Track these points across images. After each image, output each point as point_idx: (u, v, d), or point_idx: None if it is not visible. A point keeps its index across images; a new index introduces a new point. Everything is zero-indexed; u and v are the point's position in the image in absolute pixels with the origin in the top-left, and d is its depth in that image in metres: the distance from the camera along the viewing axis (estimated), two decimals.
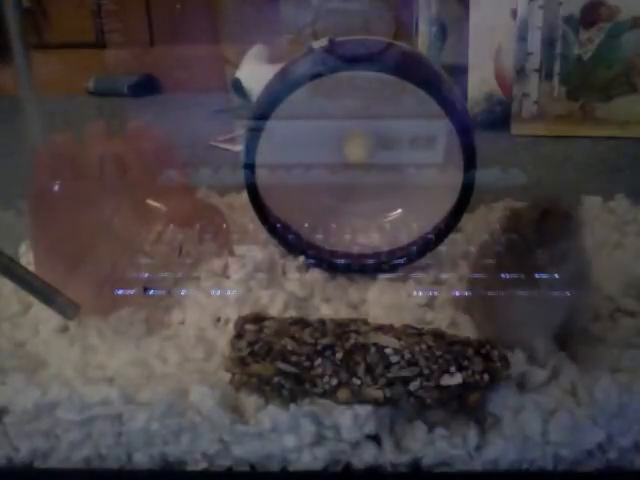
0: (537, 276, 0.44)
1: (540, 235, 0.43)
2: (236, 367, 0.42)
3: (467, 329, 0.48)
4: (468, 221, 0.57)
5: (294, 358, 0.40)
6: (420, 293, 0.54)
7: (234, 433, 0.40)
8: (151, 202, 0.55)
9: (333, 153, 0.56)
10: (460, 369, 0.39)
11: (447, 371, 0.39)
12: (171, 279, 0.55)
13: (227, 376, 0.42)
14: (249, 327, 0.42)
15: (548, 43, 0.95)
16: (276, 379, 0.40)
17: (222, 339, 0.48)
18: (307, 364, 0.40)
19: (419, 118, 0.54)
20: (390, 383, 0.39)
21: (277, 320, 0.44)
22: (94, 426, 0.41)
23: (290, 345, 0.40)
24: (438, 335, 0.41)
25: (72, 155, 0.51)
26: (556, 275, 0.44)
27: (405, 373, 0.39)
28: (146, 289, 0.53)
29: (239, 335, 0.42)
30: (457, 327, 0.49)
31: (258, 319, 0.43)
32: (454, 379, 0.39)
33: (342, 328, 0.42)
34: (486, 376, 0.39)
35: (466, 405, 0.40)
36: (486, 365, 0.39)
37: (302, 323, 0.42)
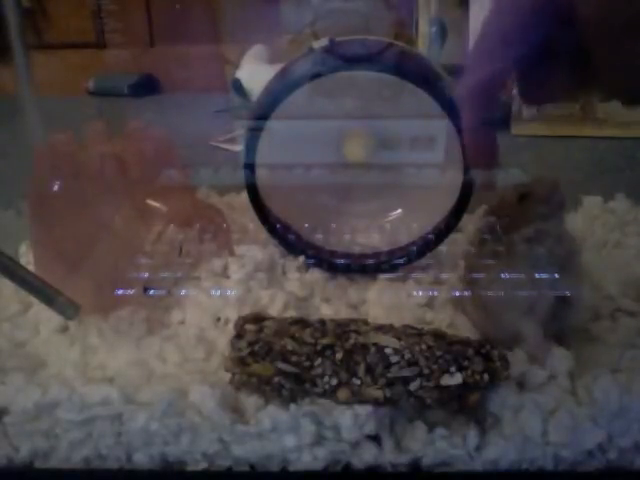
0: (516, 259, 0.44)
1: (517, 217, 0.44)
2: (236, 367, 0.41)
3: (465, 329, 0.48)
4: (468, 221, 0.57)
5: (294, 358, 0.40)
6: (420, 293, 0.54)
7: (234, 433, 0.40)
8: (151, 202, 0.55)
9: (333, 153, 0.56)
10: (460, 369, 0.39)
11: (447, 371, 0.39)
12: (171, 279, 0.55)
13: (227, 376, 0.42)
14: (249, 327, 0.42)
15: None
16: (276, 379, 0.40)
17: (222, 339, 0.48)
18: (307, 364, 0.40)
19: (419, 118, 0.54)
20: (390, 383, 0.39)
21: (277, 320, 0.44)
22: (94, 426, 0.41)
23: (290, 345, 0.40)
24: (438, 335, 0.41)
25: (72, 155, 0.51)
26: (527, 254, 0.44)
27: (405, 373, 0.39)
28: (146, 289, 0.53)
29: (239, 335, 0.42)
30: (456, 327, 0.49)
31: (258, 319, 0.43)
32: (454, 379, 0.39)
33: (342, 328, 0.41)
34: (486, 376, 0.39)
35: (466, 405, 0.40)
36: (486, 365, 0.39)
37: (302, 323, 0.42)
